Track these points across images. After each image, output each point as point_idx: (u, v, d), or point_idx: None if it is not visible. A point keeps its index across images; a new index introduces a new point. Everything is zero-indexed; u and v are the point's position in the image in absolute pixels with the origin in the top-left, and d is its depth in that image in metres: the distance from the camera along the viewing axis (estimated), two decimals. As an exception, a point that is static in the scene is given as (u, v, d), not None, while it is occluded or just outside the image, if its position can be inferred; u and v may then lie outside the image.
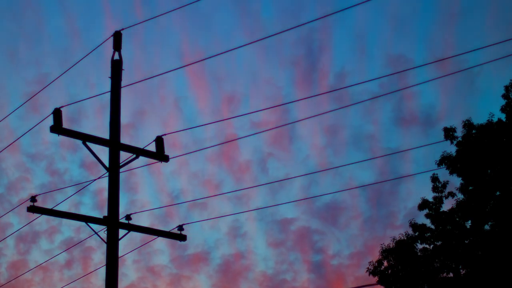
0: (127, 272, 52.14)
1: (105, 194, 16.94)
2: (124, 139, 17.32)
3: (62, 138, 16.91)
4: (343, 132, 50.49)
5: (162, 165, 17.97)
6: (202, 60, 18.39)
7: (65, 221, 46.34)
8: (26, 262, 50.08)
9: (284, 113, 47.02)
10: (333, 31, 52.70)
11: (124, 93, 17.60)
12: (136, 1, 54.44)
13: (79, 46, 51.59)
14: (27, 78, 54.61)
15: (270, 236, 50.20)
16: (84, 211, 44.18)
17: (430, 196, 27.75)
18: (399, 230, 24.92)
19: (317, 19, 17.08)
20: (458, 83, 48.62)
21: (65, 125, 16.73)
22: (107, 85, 17.61)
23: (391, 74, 16.49)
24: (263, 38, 17.55)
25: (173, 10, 18.31)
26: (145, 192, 52.08)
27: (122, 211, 17.29)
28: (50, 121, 16.74)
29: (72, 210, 17.81)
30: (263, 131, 19.13)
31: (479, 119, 31.00)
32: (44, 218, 17.65)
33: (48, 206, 17.24)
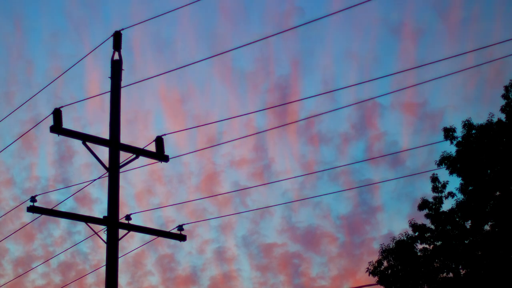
0: (121, 294, 52.71)
1: (105, 194, 16.95)
2: (123, 141, 17.33)
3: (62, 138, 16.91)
4: (318, 168, 53.07)
5: (156, 172, 17.92)
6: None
7: (65, 221, 46.35)
8: (26, 261, 50.14)
9: (261, 151, 51.82)
10: (302, 78, 55.19)
11: (124, 93, 17.60)
12: (136, 1, 54.79)
13: (79, 46, 52.04)
14: (20, 119, 55.04)
15: (255, 260, 52.59)
16: (84, 211, 44.32)
17: (430, 196, 27.78)
18: (375, 256, 27.30)
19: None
20: (422, 124, 51.05)
21: (65, 125, 16.74)
22: (107, 85, 17.63)
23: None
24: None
25: (172, 10, 18.32)
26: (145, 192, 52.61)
27: (122, 212, 17.30)
28: (50, 121, 16.77)
29: (72, 210, 17.81)
30: (263, 131, 19.10)
31: (436, 155, 32.17)
32: (44, 218, 17.64)
33: (48, 206, 17.26)
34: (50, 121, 16.74)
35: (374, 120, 52.23)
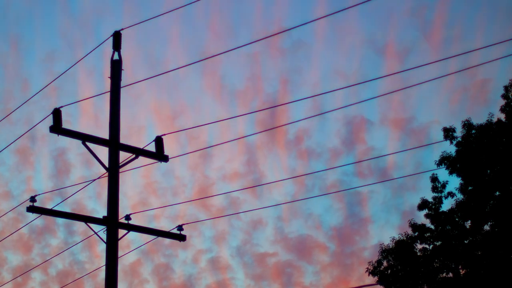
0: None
1: (105, 194, 16.95)
2: (123, 141, 17.32)
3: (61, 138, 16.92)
4: (310, 182, 54.60)
5: (156, 171, 17.96)
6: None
7: (65, 221, 46.35)
8: (26, 261, 50.13)
9: (252, 165, 52.83)
10: (291, 94, 56.55)
11: (124, 93, 17.61)
12: (136, 1, 55.05)
13: (79, 46, 52.34)
14: (18, 135, 55.55)
15: (249, 269, 53.27)
16: (83, 211, 44.32)
17: (429, 196, 27.78)
18: (365, 265, 28.31)
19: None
20: (408, 139, 52.52)
21: (65, 125, 16.75)
22: (107, 85, 17.63)
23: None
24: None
25: (171, 10, 18.31)
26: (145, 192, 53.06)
27: (122, 211, 17.31)
28: (49, 121, 16.77)
29: (72, 210, 17.82)
30: (261, 132, 19.10)
31: (429, 164, 32.32)
32: (44, 218, 17.65)
33: (48, 206, 17.26)
34: (49, 121, 16.77)
35: (362, 135, 53.86)
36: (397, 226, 49.52)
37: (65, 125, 16.75)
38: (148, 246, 51.68)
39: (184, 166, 55.62)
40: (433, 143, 21.87)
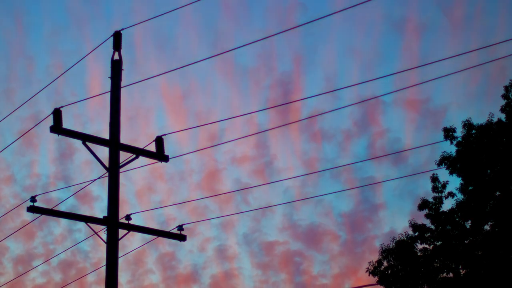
0: (121, 293, 52.56)
1: (105, 194, 16.95)
2: (123, 141, 17.34)
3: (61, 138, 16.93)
4: (320, 166, 52.81)
5: (157, 169, 17.96)
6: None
7: (65, 221, 46.32)
8: (26, 262, 50.09)
9: (263, 148, 51.37)
10: (304, 74, 55.09)
11: (124, 93, 17.60)
12: (135, 1, 54.72)
13: (79, 46, 51.98)
14: (21, 116, 54.94)
15: (256, 258, 52.44)
16: (84, 211, 44.21)
17: (430, 194, 27.78)
18: (376, 253, 26.74)
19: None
20: (423, 120, 51.01)
21: (65, 125, 16.76)
22: (107, 85, 17.63)
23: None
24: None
25: (172, 10, 18.31)
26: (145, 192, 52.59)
27: (122, 211, 17.30)
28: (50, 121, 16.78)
29: (72, 210, 17.82)
30: (263, 131, 19.10)
31: (436, 155, 31.86)
32: (44, 218, 17.65)
33: (48, 206, 17.27)
34: (50, 121, 16.77)
35: (376, 117, 51.79)
36: (410, 212, 47.48)
37: (65, 125, 16.77)
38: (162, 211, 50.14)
39: (191, 144, 54.17)
40: (433, 143, 21.81)
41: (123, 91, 17.52)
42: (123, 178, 17.78)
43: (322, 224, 51.46)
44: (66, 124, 16.76)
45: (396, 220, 52.19)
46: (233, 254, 51.41)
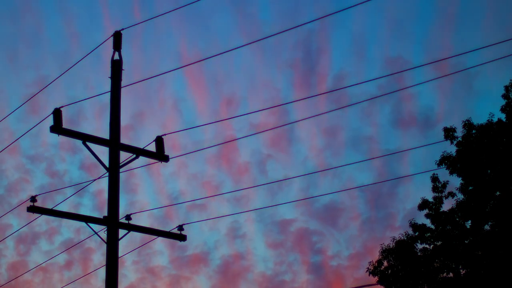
0: (127, 273, 52.04)
1: (105, 194, 16.95)
2: (123, 141, 17.34)
3: (61, 138, 16.93)
4: (342, 134, 50.59)
5: (161, 166, 18.00)
6: (201, 60, 18.40)
7: (65, 221, 46.31)
8: (26, 262, 50.06)
9: (283, 114, 47.20)
10: (331, 33, 53.03)
11: (124, 93, 17.61)
12: (135, 1, 54.37)
13: (79, 47, 51.51)
14: (26, 80, 54.42)
15: (269, 237, 50.24)
16: (84, 211, 44.10)
17: (430, 196, 27.78)
18: (398, 231, 24.90)
19: (315, 20, 17.08)
20: (456, 85, 48.93)
21: (65, 125, 16.75)
22: (107, 85, 17.63)
23: (389, 75, 16.47)
24: (261, 39, 17.55)
25: (172, 10, 18.31)
26: (145, 193, 52.07)
27: (122, 211, 17.30)
28: (50, 122, 16.77)
29: (72, 210, 17.82)
30: (262, 132, 19.12)
31: (479, 119, 30.91)
32: (44, 218, 17.67)
33: (48, 206, 17.26)
34: (49, 122, 16.78)
35: (401, 79, 50.23)
36: (445, 177, 46.07)
37: (66, 124, 16.77)
38: (161, 211, 48.88)
39: (207, 115, 51.77)
40: (433, 143, 21.80)
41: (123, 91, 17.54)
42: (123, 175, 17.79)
43: (341, 198, 48.59)
44: (66, 124, 16.78)
45: (422, 194, 49.73)
46: (246, 232, 49.45)
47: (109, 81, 17.56)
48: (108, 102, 17.40)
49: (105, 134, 17.24)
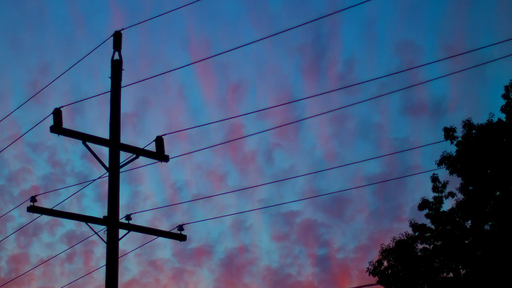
0: (129, 266, 51.77)
1: (107, 185, 16.91)
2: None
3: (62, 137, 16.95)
4: (350, 122, 49.62)
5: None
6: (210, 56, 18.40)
7: (65, 220, 46.23)
8: (26, 261, 50.03)
9: (291, 99, 46.11)
10: (341, 17, 52.04)
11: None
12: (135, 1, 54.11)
13: (83, 31, 50.57)
14: (29, 66, 53.89)
15: (274, 229, 49.40)
16: (85, 201, 44.03)
17: (430, 196, 27.79)
18: (406, 224, 24.45)
19: (324, 18, 17.08)
20: (468, 73, 48.12)
21: (65, 125, 16.77)
22: (107, 85, 17.63)
23: (403, 70, 16.41)
24: (275, 34, 17.56)
25: (172, 10, 18.32)
26: (149, 182, 51.28)
27: (127, 202, 17.32)
28: (50, 121, 16.78)
29: (74, 201, 17.84)
30: (268, 129, 19.13)
31: (491, 107, 30.46)
32: (44, 217, 17.65)
33: (48, 206, 17.28)
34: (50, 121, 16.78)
35: (412, 64, 46.82)
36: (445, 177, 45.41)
37: (66, 124, 16.78)
38: (163, 202, 47.91)
39: (212, 103, 50.55)
40: (433, 143, 21.81)
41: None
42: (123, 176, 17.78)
43: (347, 191, 46.54)
44: (66, 124, 16.79)
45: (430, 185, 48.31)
46: (251, 224, 48.72)
47: (109, 80, 17.56)
48: (108, 102, 17.42)
49: (105, 134, 17.24)
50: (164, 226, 48.72)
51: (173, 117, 51.03)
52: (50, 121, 16.77)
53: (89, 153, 17.05)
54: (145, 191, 48.98)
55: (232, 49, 17.45)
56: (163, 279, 49.19)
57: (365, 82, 16.55)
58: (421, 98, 47.94)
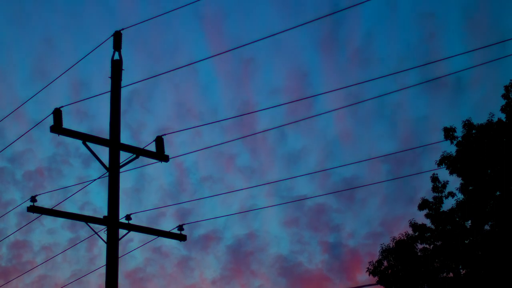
0: (134, 253, 51.20)
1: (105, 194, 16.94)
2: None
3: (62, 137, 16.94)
4: (365, 97, 48.62)
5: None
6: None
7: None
8: (25, 262, 49.98)
9: (304, 78, 44.13)
10: None
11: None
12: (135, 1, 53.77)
13: (87, 4, 49.22)
14: (33, 41, 53.04)
15: (284, 214, 48.04)
16: (84, 211, 43.96)
17: (430, 196, 27.79)
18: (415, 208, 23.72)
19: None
20: (490, 48, 47.01)
21: (65, 124, 16.76)
22: (107, 85, 17.64)
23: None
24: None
25: (172, 10, 18.31)
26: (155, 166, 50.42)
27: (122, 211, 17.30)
28: (50, 121, 16.78)
29: (72, 210, 17.82)
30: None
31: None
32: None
33: (48, 203, 17.29)
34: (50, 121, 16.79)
35: (432, 40, 45.05)
36: (445, 177, 43.92)
37: (66, 124, 16.78)
38: (170, 187, 46.32)
39: (225, 80, 48.36)
40: (433, 143, 21.82)
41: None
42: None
43: (360, 174, 45.30)
44: (66, 123, 16.79)
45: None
46: (259, 209, 48.11)
47: (109, 80, 17.56)
48: (108, 102, 17.42)
49: (105, 134, 17.23)
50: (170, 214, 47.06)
51: (183, 91, 49.57)
52: (50, 121, 16.77)
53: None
54: (151, 170, 47.56)
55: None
56: (168, 267, 48.15)
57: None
58: (440, 74, 47.34)
